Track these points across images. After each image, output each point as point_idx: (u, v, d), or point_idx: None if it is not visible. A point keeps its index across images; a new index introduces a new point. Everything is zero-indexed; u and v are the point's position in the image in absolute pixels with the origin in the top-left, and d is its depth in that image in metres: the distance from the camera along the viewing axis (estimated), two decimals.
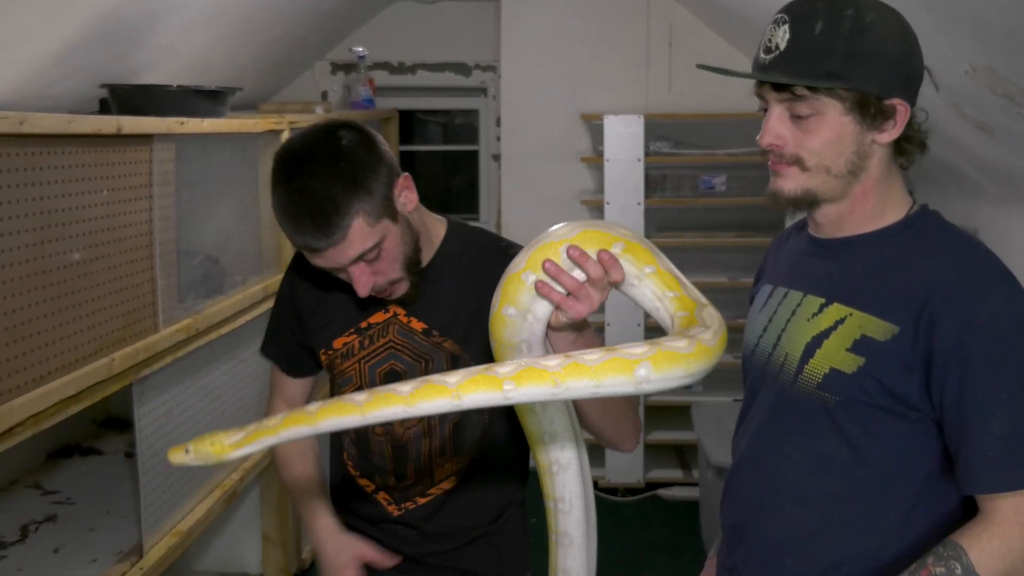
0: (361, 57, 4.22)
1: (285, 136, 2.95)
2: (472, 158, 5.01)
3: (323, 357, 1.66)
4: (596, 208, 4.17)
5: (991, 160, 2.54)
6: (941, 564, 1.19)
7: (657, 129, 4.11)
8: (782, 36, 1.26)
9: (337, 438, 1.70)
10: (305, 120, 3.18)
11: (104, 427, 3.09)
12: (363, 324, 1.62)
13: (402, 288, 1.53)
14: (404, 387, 1.05)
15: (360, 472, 1.67)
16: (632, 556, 3.67)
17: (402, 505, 1.65)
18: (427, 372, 1.52)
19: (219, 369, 2.64)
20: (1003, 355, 1.19)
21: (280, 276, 2.86)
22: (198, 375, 2.49)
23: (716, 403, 3.89)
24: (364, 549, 1.64)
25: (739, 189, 4.12)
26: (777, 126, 1.29)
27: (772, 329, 1.40)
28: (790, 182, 1.30)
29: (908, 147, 1.31)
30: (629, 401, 1.46)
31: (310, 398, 1.80)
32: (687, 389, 4.22)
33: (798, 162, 1.29)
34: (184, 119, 2.23)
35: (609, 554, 3.70)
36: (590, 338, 1.28)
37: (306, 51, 4.47)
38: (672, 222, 4.28)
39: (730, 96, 4.24)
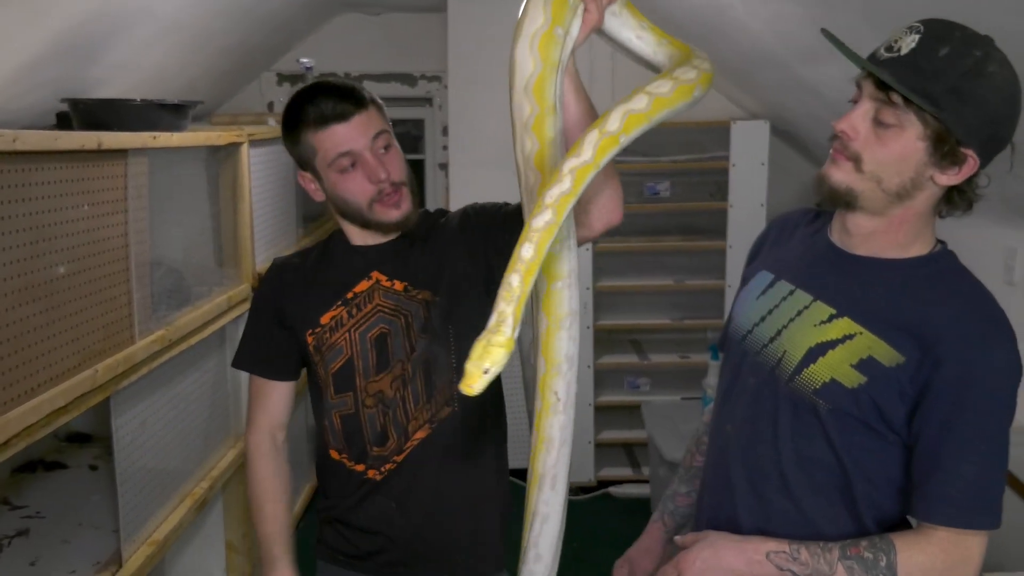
0: (308, 68, 4.25)
1: (245, 148, 2.99)
2: (418, 167, 5.08)
3: (310, 340, 1.71)
4: None
5: None
6: (872, 550, 1.31)
7: None
8: (908, 43, 1.28)
9: (320, 422, 1.77)
10: (262, 132, 3.22)
11: (67, 442, 3.09)
12: (349, 295, 1.71)
13: (407, 199, 1.68)
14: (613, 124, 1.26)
15: (341, 450, 1.75)
16: (586, 551, 3.77)
17: (383, 468, 1.72)
18: (407, 327, 1.68)
19: (188, 379, 2.67)
20: (991, 408, 1.29)
21: (242, 286, 2.93)
22: (169, 385, 2.52)
23: (666, 402, 4.03)
24: None
25: (682, 194, 4.26)
26: (858, 120, 1.32)
27: (772, 321, 1.46)
28: (840, 173, 1.34)
29: (957, 199, 1.35)
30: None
31: (290, 410, 1.85)
32: (635, 389, 4.36)
33: (856, 160, 1.32)
34: (156, 133, 2.27)
35: (564, 550, 3.78)
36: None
37: (253, 62, 4.50)
38: (619, 227, 4.37)
39: None
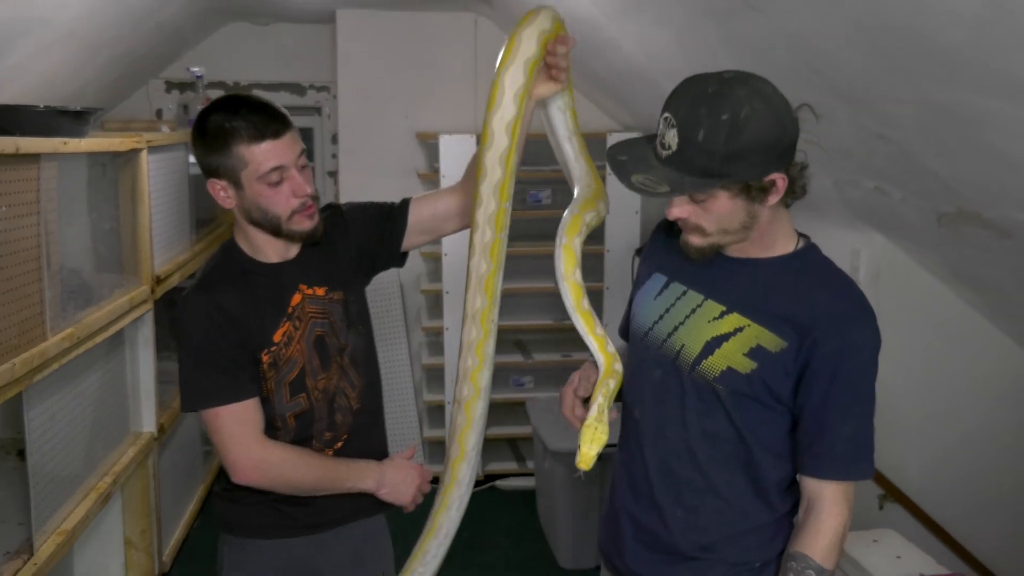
0: (199, 77, 4.33)
1: (144, 155, 3.09)
2: None
3: (265, 358, 1.83)
4: None
5: None
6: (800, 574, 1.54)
7: None
8: (672, 138, 1.47)
9: (271, 427, 1.88)
10: (159, 139, 3.32)
11: None
12: (288, 310, 1.87)
13: (316, 211, 1.86)
14: None
15: (295, 442, 1.89)
16: (477, 540, 3.97)
17: (336, 445, 1.93)
18: (332, 326, 1.91)
19: (91, 377, 2.76)
20: (861, 378, 1.54)
21: (142, 288, 3.02)
22: (74, 383, 2.61)
23: (549, 398, 4.25)
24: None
25: (563, 201, 4.48)
26: (679, 209, 1.54)
27: (668, 320, 1.67)
28: (698, 240, 1.57)
29: (791, 196, 1.55)
30: None
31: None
32: (519, 386, 4.57)
33: (700, 229, 1.55)
34: (66, 139, 2.36)
35: (457, 539, 3.98)
36: None
37: (142, 69, 4.54)
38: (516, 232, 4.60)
39: None
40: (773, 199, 1.51)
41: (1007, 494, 3.02)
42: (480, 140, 1.75)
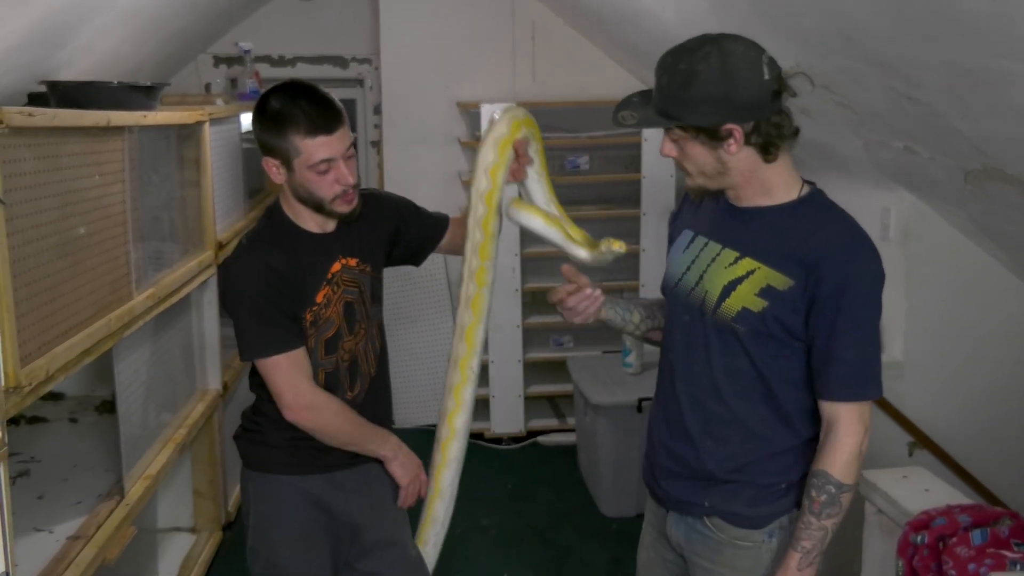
0: (247, 51, 4.49)
1: (207, 127, 3.27)
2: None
3: (308, 316, 2.04)
4: None
5: (809, 138, 3.13)
6: (822, 493, 1.70)
7: None
8: (656, 81, 1.71)
9: None
10: (219, 111, 3.50)
11: (42, 400, 3.33)
12: (329, 275, 2.08)
13: (356, 195, 2.05)
14: None
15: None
16: (521, 492, 4.16)
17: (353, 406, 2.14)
18: (362, 295, 2.13)
19: (166, 335, 2.96)
20: (862, 306, 1.69)
21: (207, 252, 3.21)
22: (153, 340, 2.81)
23: (588, 357, 4.43)
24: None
25: (600, 167, 4.66)
26: (665, 147, 1.76)
27: (694, 270, 1.84)
28: (688, 180, 1.79)
29: (769, 148, 1.69)
30: None
31: None
32: (559, 346, 4.74)
33: (685, 170, 1.77)
34: (146, 113, 2.54)
35: (501, 492, 4.19)
36: None
37: (192, 45, 4.72)
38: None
39: (589, 85, 4.80)
40: (733, 147, 1.68)
41: None
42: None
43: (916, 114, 2.45)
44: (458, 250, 2.17)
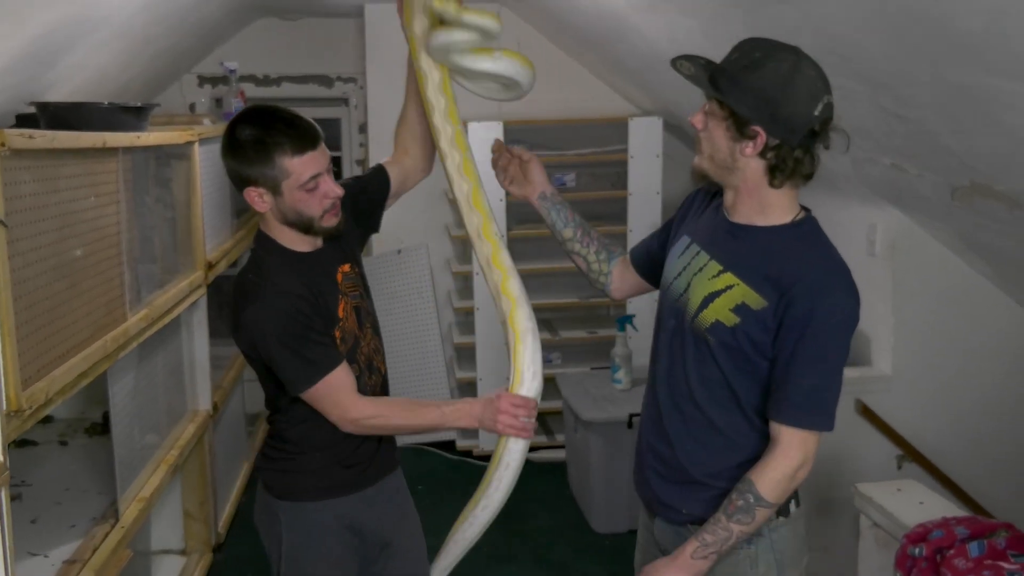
0: (232, 71, 4.49)
1: (196, 147, 3.26)
2: (336, 163, 5.36)
3: (338, 334, 2.05)
4: None
5: None
6: (741, 498, 1.74)
7: (514, 133, 4.59)
8: (727, 55, 1.73)
9: None
10: (207, 131, 3.49)
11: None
12: (339, 288, 2.09)
13: (340, 211, 2.06)
14: None
15: None
16: (513, 509, 4.13)
17: None
18: (361, 296, 2.16)
19: (157, 357, 2.95)
20: (828, 339, 1.71)
21: (197, 273, 3.20)
22: (146, 362, 2.80)
23: (577, 373, 4.44)
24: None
25: (587, 184, 4.69)
26: (697, 117, 1.77)
27: (684, 276, 1.87)
28: (696, 159, 1.80)
29: (777, 172, 1.71)
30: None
31: None
32: (548, 363, 4.75)
33: (700, 146, 1.78)
34: (139, 134, 2.54)
35: None
36: None
37: (177, 64, 4.71)
38: (530, 215, 4.61)
39: (575, 104, 4.82)
40: (749, 150, 1.70)
41: (1021, 454, 3.21)
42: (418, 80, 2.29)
43: (905, 131, 2.49)
44: (409, 172, 2.32)
